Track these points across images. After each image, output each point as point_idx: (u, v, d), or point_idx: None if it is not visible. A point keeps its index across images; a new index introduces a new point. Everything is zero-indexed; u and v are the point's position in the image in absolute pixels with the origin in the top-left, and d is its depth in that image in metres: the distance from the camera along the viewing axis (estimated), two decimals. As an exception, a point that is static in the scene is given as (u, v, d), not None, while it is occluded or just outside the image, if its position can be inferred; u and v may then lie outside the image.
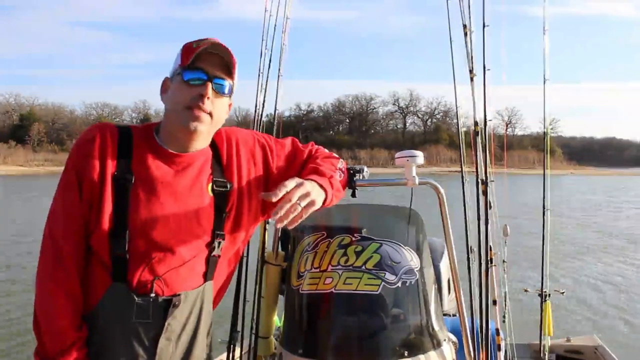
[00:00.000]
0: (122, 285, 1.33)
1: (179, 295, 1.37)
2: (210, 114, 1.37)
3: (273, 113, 2.79)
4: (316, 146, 1.66)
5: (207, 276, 1.43)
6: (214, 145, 1.48)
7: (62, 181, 1.37)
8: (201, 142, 1.42)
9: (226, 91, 1.40)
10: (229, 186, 1.45)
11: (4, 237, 13.81)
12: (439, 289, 2.13)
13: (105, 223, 1.33)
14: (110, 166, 1.35)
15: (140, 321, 1.34)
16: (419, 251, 1.78)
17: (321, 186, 1.42)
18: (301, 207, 1.32)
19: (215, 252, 1.44)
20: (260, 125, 2.75)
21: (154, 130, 1.44)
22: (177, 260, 1.37)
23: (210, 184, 1.43)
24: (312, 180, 1.40)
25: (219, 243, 1.44)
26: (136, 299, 1.33)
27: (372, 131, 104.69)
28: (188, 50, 1.37)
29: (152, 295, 1.34)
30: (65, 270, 1.32)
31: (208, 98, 1.36)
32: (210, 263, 1.44)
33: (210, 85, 1.36)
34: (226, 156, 1.48)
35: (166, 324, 1.36)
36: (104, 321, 1.34)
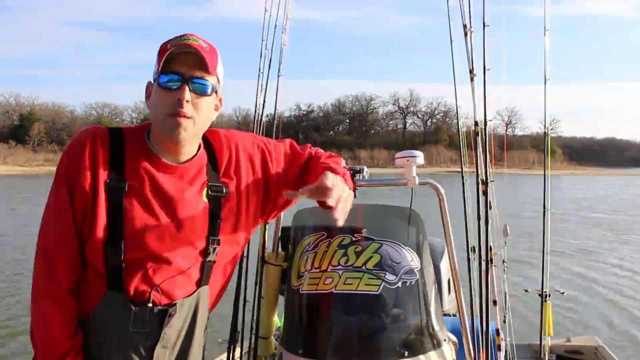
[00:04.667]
0: (118, 294, 1.32)
1: (174, 304, 1.36)
2: (193, 118, 1.33)
3: (273, 113, 2.79)
4: (314, 148, 1.64)
5: (201, 282, 1.41)
6: (211, 149, 1.46)
7: (53, 191, 1.35)
8: (189, 147, 1.39)
9: (208, 91, 1.35)
10: (224, 191, 1.43)
11: (5, 237, 13.81)
12: (439, 289, 2.13)
13: (100, 233, 1.31)
14: (103, 174, 1.32)
15: (137, 330, 1.33)
16: (419, 251, 1.78)
17: None
18: (349, 203, 1.32)
19: (210, 258, 1.41)
20: (260, 125, 2.75)
21: (146, 132, 1.41)
22: (173, 269, 1.36)
23: (205, 189, 1.41)
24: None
25: (214, 249, 1.41)
26: (133, 308, 1.32)
27: (372, 131, 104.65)
28: (162, 52, 1.32)
29: (150, 305, 1.33)
30: (57, 282, 1.31)
31: (187, 101, 1.31)
32: (205, 269, 1.41)
33: (187, 87, 1.31)
34: (225, 161, 1.46)
35: (162, 333, 1.35)
36: (100, 329, 1.33)
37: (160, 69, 1.31)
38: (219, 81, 1.39)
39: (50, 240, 1.33)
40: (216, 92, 1.40)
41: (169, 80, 1.31)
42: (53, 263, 1.31)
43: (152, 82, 1.38)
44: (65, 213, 1.32)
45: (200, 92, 1.34)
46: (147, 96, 1.41)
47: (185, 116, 1.31)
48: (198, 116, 1.34)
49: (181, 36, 1.33)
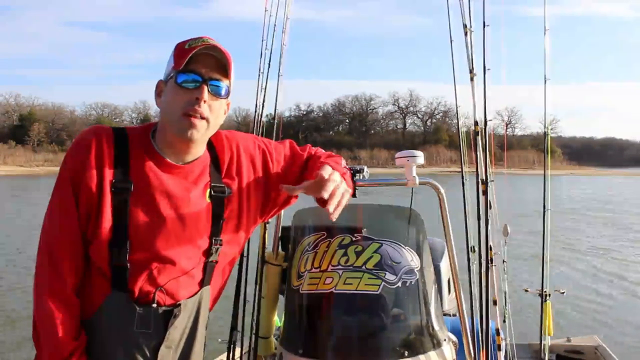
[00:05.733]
0: (123, 295, 1.32)
1: (179, 305, 1.36)
2: (207, 119, 1.33)
3: (273, 113, 2.79)
4: (314, 148, 1.64)
5: (204, 282, 1.42)
6: (213, 150, 1.46)
7: (57, 190, 1.34)
8: (197, 148, 1.40)
9: (223, 93, 1.36)
10: (227, 191, 1.43)
11: (5, 237, 13.81)
12: (439, 289, 2.13)
13: (105, 233, 1.30)
14: (108, 174, 1.32)
15: (141, 331, 1.33)
16: (419, 251, 1.78)
17: None
18: (345, 198, 1.31)
19: (212, 258, 1.42)
20: (260, 125, 2.75)
21: (150, 133, 1.41)
22: (177, 270, 1.36)
23: (208, 190, 1.41)
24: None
25: (217, 249, 1.42)
26: (137, 309, 1.32)
27: (372, 131, 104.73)
28: (181, 51, 1.32)
29: (154, 305, 1.33)
30: (62, 282, 1.30)
31: (204, 102, 1.32)
32: (208, 269, 1.42)
33: (205, 87, 1.32)
34: (227, 161, 1.46)
35: (167, 333, 1.35)
36: (104, 329, 1.33)
37: (180, 67, 1.31)
38: (230, 85, 1.40)
39: (54, 240, 1.32)
40: (228, 96, 1.40)
41: (188, 80, 1.32)
42: (57, 262, 1.31)
43: (164, 81, 1.38)
44: (69, 212, 1.31)
45: (217, 93, 1.35)
46: (157, 94, 1.40)
47: (201, 116, 1.32)
48: (212, 118, 1.35)
49: (200, 38, 1.33)
